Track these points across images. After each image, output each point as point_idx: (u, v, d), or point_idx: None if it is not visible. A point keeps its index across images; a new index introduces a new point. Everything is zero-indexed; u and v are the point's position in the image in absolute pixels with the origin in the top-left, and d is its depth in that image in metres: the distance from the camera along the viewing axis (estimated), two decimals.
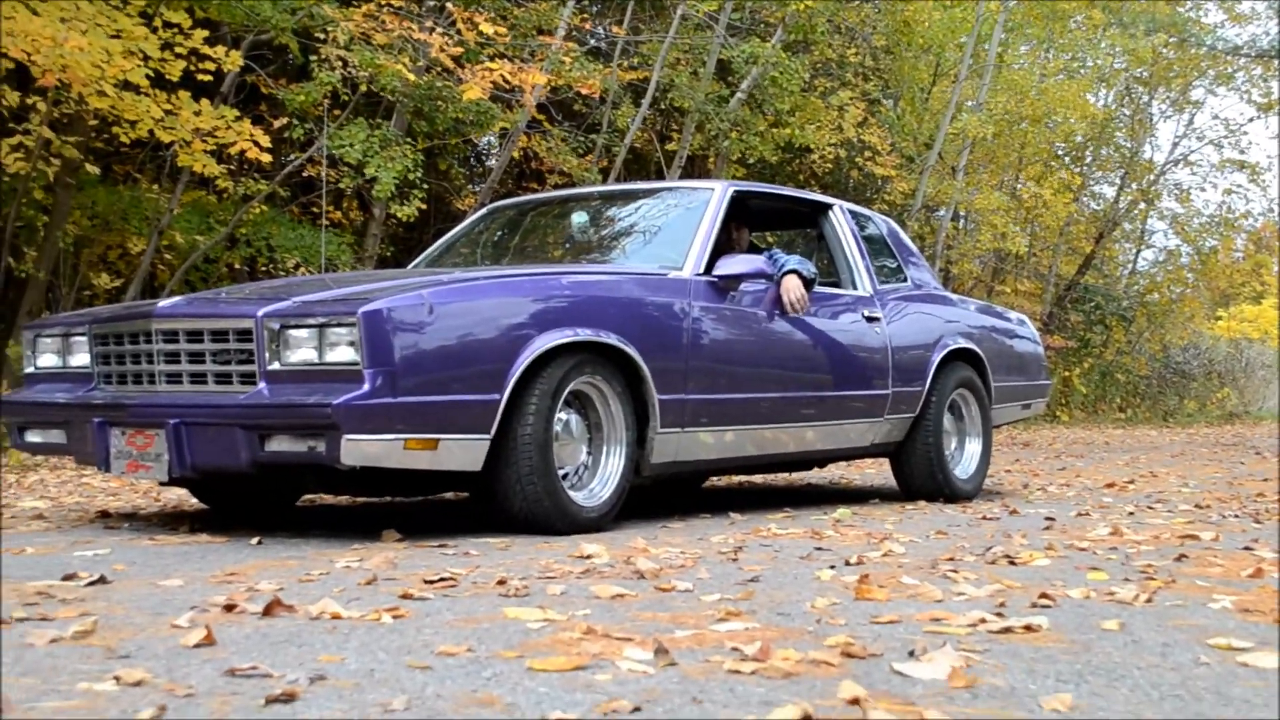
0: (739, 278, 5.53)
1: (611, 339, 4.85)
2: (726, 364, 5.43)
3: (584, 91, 12.45)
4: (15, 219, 10.18)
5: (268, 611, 2.81)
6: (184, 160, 10.05)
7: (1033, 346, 7.89)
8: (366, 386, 4.12)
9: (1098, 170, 26.82)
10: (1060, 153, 25.27)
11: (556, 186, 13.73)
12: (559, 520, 4.62)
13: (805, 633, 2.66)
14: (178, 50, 9.53)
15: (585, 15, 14.81)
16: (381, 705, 2.01)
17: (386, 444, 4.17)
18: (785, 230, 9.19)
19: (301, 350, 4.27)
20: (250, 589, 3.21)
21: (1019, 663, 2.38)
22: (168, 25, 9.64)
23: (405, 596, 3.10)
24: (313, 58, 11.19)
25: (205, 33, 9.76)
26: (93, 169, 9.97)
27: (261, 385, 4.31)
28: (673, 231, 5.92)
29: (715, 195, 5.92)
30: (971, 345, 6.98)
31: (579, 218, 6.46)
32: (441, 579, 3.37)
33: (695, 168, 17.05)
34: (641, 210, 6.48)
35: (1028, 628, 2.70)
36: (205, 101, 9.76)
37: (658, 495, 6.58)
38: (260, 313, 4.33)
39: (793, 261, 5.84)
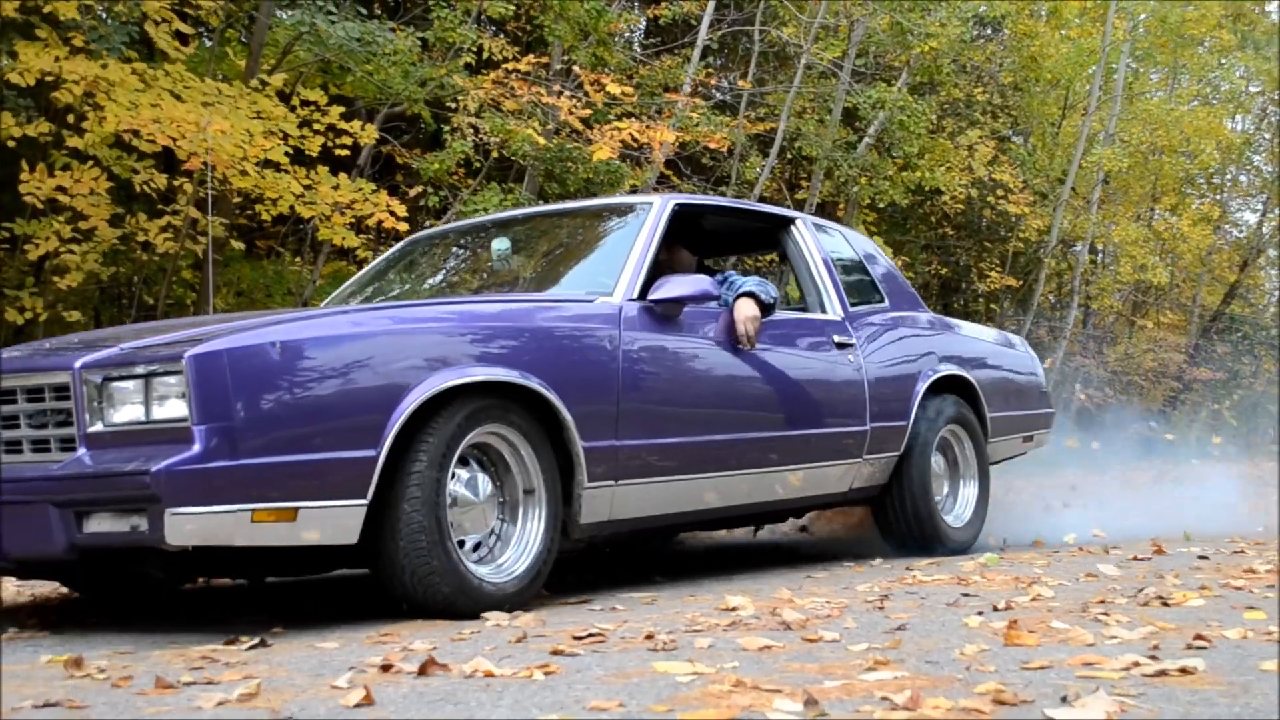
0: (679, 301, 4.76)
1: (519, 378, 4.15)
2: (669, 403, 4.73)
3: (711, 145, 12.53)
4: (166, 297, 10.53)
5: (423, 671, 2.88)
6: (324, 234, 10.32)
7: (1031, 370, 7.11)
8: (197, 447, 3.46)
9: (1237, 196, 26.21)
10: (1199, 181, 24.77)
11: None
12: (460, 600, 3.93)
13: (955, 680, 2.65)
14: (315, 127, 9.84)
15: (710, 70, 14.95)
16: None
17: (227, 517, 3.49)
18: (744, 252, 8.35)
19: (127, 407, 3.60)
20: (405, 649, 3.28)
21: (1175, 706, 2.35)
22: (305, 104, 9.97)
23: (555, 653, 3.15)
24: (445, 126, 11.45)
25: (341, 109, 10.05)
26: (237, 245, 10.30)
27: (81, 451, 3.61)
28: (604, 253, 5.23)
29: (653, 209, 5.17)
30: (962, 372, 6.25)
31: (499, 244, 5.50)
32: (590, 635, 3.42)
33: (826, 214, 17.04)
34: (573, 232, 5.66)
35: (1183, 670, 2.65)
36: (343, 176, 10.04)
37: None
38: (78, 364, 3.65)
39: (749, 283, 5.18)
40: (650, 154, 12.32)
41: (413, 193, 11.11)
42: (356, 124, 10.22)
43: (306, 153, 9.77)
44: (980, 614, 3.66)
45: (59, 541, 3.54)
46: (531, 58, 11.73)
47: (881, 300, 6.19)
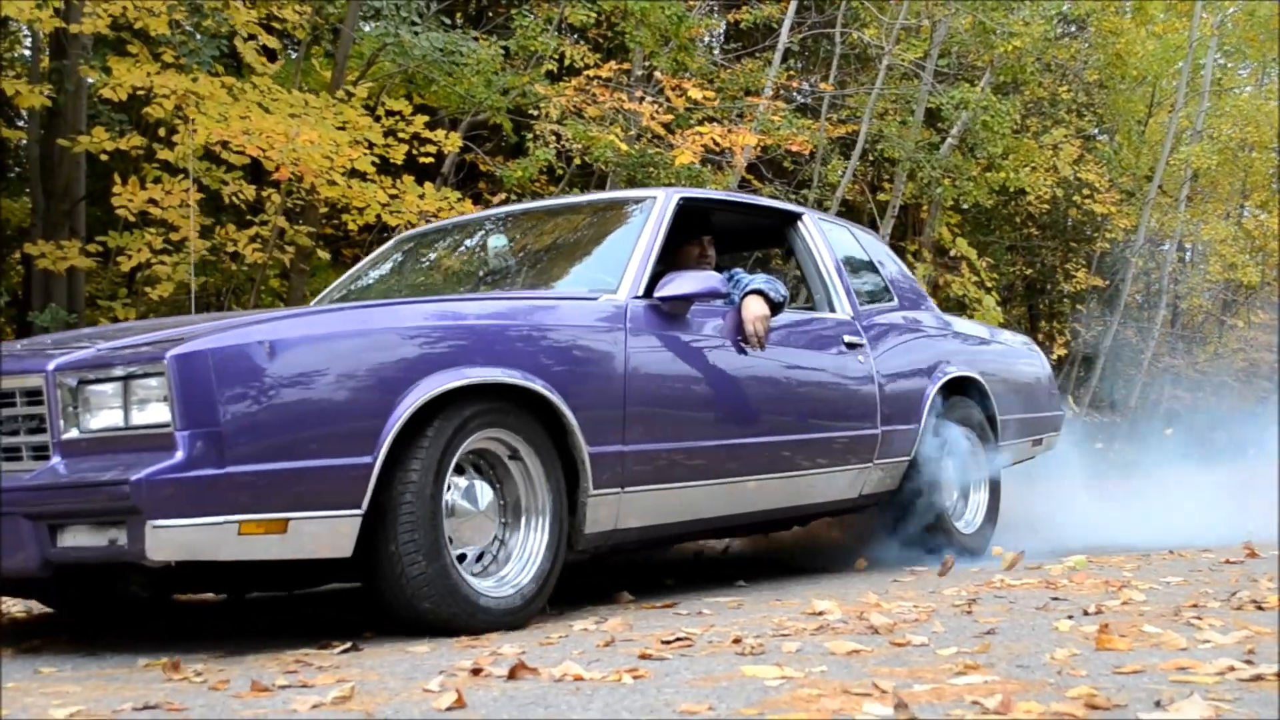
0: (687, 299, 4.55)
1: (522, 379, 3.92)
2: (677, 406, 4.51)
3: (794, 149, 12.52)
4: (254, 306, 10.69)
5: (513, 675, 2.90)
6: None
7: (1041, 372, 6.86)
8: (179, 455, 3.22)
9: None
10: None
11: None
12: (459, 618, 3.69)
13: (1046, 685, 2.63)
14: (400, 136, 9.96)
15: (791, 73, 14.93)
16: None
17: (212, 529, 3.26)
18: (749, 249, 8.05)
19: (104, 412, 3.37)
20: (494, 653, 3.31)
21: (1271, 711, 2.32)
22: (390, 113, 10.09)
23: (644, 657, 3.17)
24: (527, 134, 11.53)
25: (425, 118, 10.17)
26: (324, 254, 10.44)
27: (55, 459, 3.38)
28: (607, 249, 4.99)
29: (657, 204, 4.94)
30: (973, 373, 6.04)
31: (496, 241, 5.32)
32: (677, 639, 3.43)
33: (908, 216, 16.96)
34: (574, 228, 5.39)
35: None
36: (428, 184, 10.15)
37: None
38: (51, 366, 3.41)
39: (757, 281, 4.97)
40: (732, 158, 12.32)
41: (496, 200, 11.20)
42: (440, 132, 10.34)
43: (391, 161, 9.88)
44: (1070, 618, 3.63)
45: (32, 557, 3.30)
46: (613, 64, 11.79)
47: (891, 299, 5.99)
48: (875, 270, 6.05)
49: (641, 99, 11.56)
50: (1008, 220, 18.14)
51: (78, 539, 3.28)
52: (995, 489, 6.19)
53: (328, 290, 5.63)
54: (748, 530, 5.67)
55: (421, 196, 9.90)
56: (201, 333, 3.42)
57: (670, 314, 4.56)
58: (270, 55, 10.52)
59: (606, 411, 4.19)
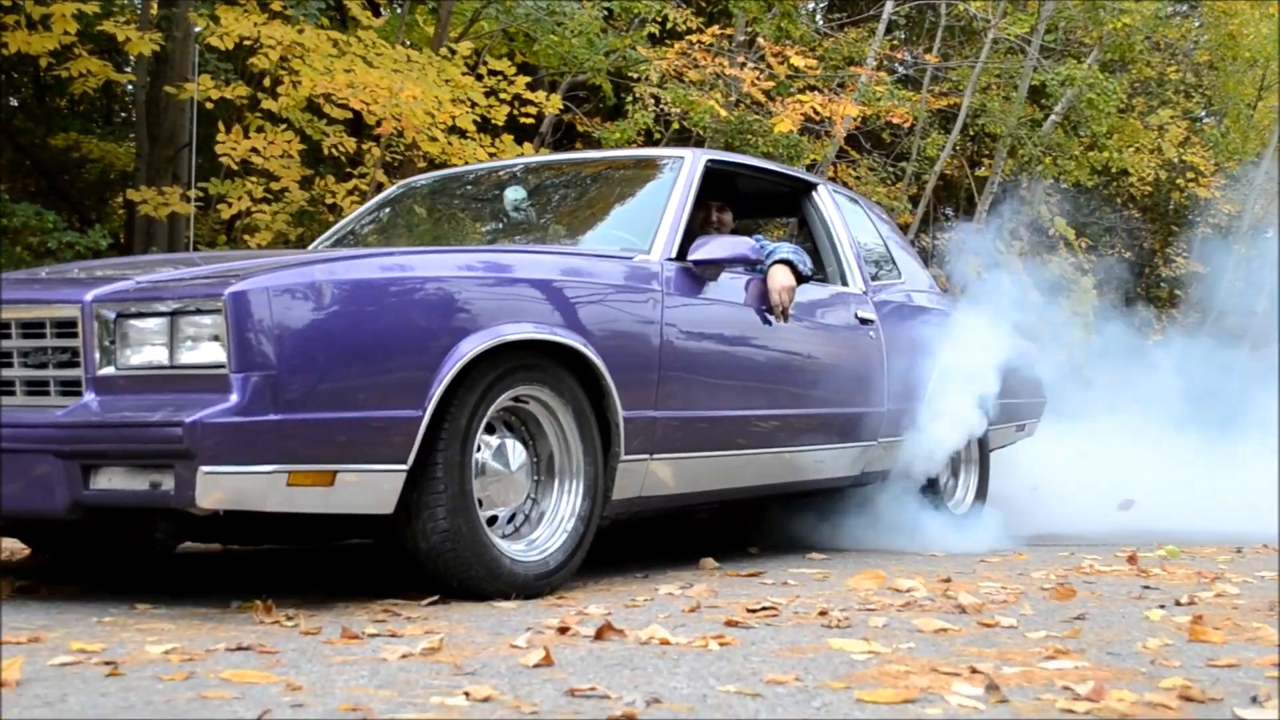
0: (719, 264, 4.46)
1: (566, 337, 3.78)
2: (707, 373, 4.40)
3: (895, 120, 12.39)
4: None
5: (599, 635, 2.92)
6: None
7: (1029, 357, 6.73)
8: (235, 398, 3.05)
9: None
10: None
11: None
12: (486, 580, 3.53)
13: (1138, 674, 2.60)
14: (502, 96, 9.98)
15: (895, 43, 14.77)
16: None
17: (262, 478, 3.09)
18: (763, 217, 7.87)
19: (146, 349, 3.19)
20: (580, 612, 3.33)
21: None
22: (492, 73, 10.11)
23: (730, 624, 3.17)
24: (626, 96, 11.52)
25: (527, 79, 10.19)
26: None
27: (89, 397, 3.20)
28: (635, 207, 4.86)
29: (686, 164, 4.79)
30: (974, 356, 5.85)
31: (513, 193, 5.05)
32: (763, 608, 3.43)
33: (1007, 194, 16.75)
34: (591, 184, 5.22)
35: None
36: (527, 144, 10.17)
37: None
38: (88, 296, 3.23)
39: (785, 250, 4.87)
40: (831, 127, 12.23)
41: None
42: (541, 94, 10.35)
43: (492, 121, 9.91)
44: (1162, 607, 3.58)
45: (60, 498, 3.12)
46: (715, 29, 11.73)
47: (899, 276, 5.91)
48: (884, 244, 5.97)
49: (743, 65, 11.49)
50: (1108, 201, 17.84)
51: (113, 481, 3.10)
52: (984, 471, 6.15)
53: (324, 236, 5.49)
54: (751, 504, 5.49)
55: (520, 155, 9.93)
56: (256, 270, 3.24)
57: (701, 278, 4.44)
58: (375, 9, 10.58)
59: (641, 374, 4.08)
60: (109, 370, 3.19)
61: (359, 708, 2.15)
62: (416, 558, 3.50)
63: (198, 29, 9.36)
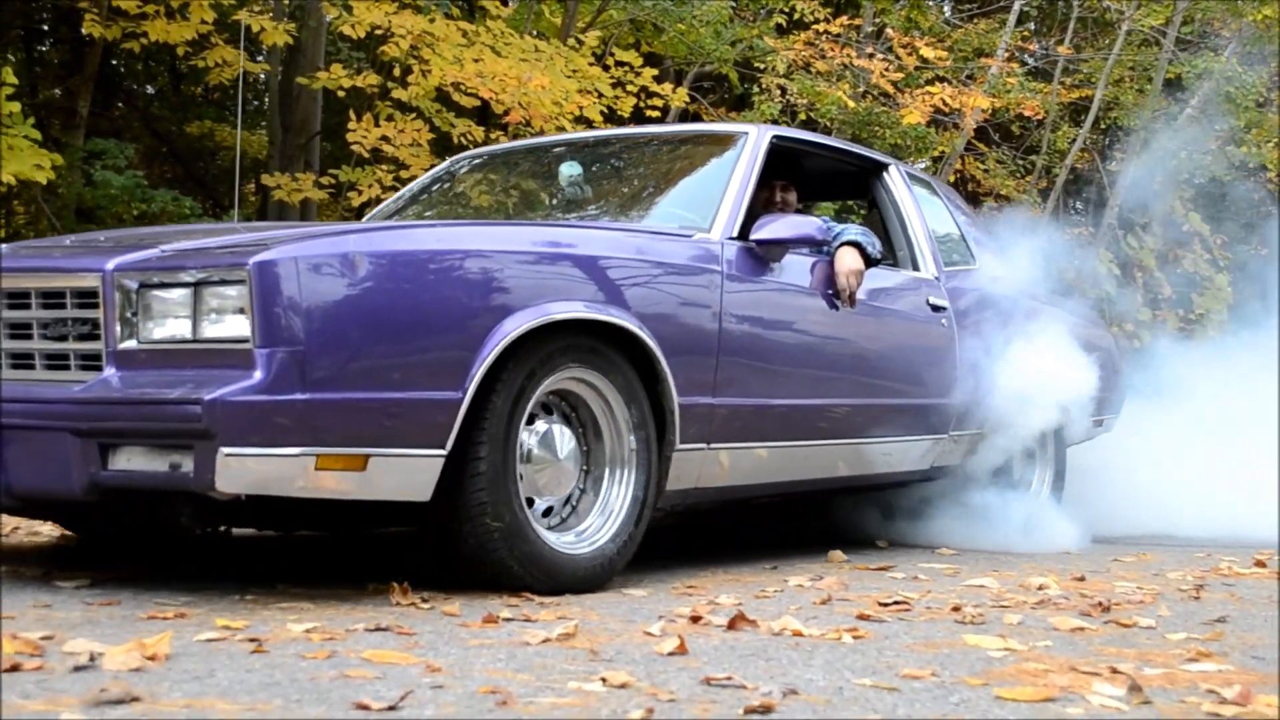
0: (783, 244, 4.21)
1: (620, 318, 3.57)
2: (768, 359, 4.16)
3: (1025, 113, 12.20)
4: None
5: (732, 625, 2.92)
6: None
7: (1107, 346, 6.38)
8: (259, 375, 2.88)
9: None
10: None
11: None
12: (531, 575, 3.34)
13: None
14: (629, 89, 9.99)
15: (1025, 34, 14.55)
16: None
17: (288, 461, 2.92)
18: (832, 198, 7.59)
19: (170, 321, 3.02)
20: (711, 602, 3.33)
21: None
22: (619, 64, 10.13)
23: (862, 618, 3.15)
24: (752, 87, 11.47)
25: (654, 70, 10.19)
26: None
27: (109, 371, 3.03)
28: (695, 184, 4.63)
29: (750, 140, 4.55)
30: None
31: (569, 168, 4.80)
32: (895, 602, 3.40)
33: (1139, 189, 16.43)
34: (651, 160, 5.02)
35: None
36: None
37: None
38: (110, 265, 3.06)
39: (852, 231, 4.64)
40: (960, 119, 12.08)
41: None
42: (668, 87, 10.34)
43: (619, 113, 9.93)
44: None
45: (78, 479, 2.96)
46: (843, 19, 11.64)
47: (973, 262, 5.61)
48: (958, 229, 5.68)
49: (871, 56, 11.39)
50: (1244, 196, 17.41)
51: (132, 462, 2.94)
52: (1060, 469, 5.90)
53: (380, 208, 5.36)
54: (810, 498, 5.31)
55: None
56: (284, 239, 3.07)
57: (764, 259, 4.22)
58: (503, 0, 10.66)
59: (699, 359, 3.86)
60: (131, 344, 3.03)
61: (498, 690, 2.17)
62: (456, 547, 3.33)
63: (329, 18, 9.49)
